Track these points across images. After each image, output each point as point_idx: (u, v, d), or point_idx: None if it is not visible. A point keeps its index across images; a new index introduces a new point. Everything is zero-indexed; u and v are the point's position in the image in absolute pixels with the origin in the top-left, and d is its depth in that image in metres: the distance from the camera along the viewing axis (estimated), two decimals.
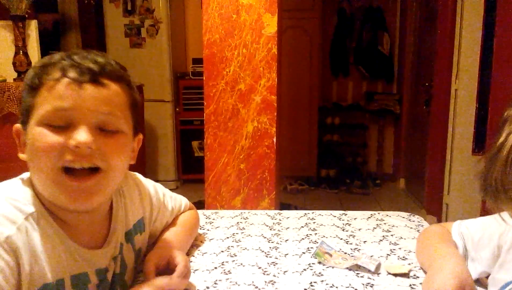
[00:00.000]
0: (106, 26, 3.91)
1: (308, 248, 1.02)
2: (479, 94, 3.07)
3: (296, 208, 3.43)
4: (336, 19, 4.33)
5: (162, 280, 0.73)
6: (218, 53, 1.92)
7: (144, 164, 3.79)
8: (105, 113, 0.66)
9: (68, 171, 0.64)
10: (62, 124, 0.64)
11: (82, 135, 0.63)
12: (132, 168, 0.91)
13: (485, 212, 2.64)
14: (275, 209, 2.04)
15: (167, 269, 0.78)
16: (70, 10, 3.95)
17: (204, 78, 1.97)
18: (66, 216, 0.68)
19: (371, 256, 0.96)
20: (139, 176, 0.92)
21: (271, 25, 1.87)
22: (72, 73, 0.65)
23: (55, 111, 0.64)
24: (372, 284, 0.84)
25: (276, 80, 1.93)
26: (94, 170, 0.65)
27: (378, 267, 0.90)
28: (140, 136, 0.78)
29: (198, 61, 3.93)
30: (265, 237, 1.09)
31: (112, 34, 3.90)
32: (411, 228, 1.14)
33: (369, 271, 0.88)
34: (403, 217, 1.22)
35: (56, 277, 0.64)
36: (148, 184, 0.92)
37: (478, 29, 3.03)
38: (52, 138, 0.63)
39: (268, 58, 1.90)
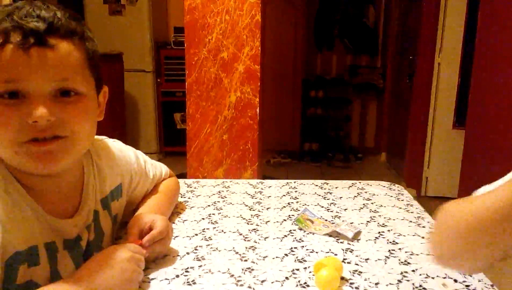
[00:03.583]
0: None
1: (289, 215, 1.01)
2: (462, 68, 3.09)
3: None
4: None
5: (136, 246, 0.72)
6: (200, 19, 1.87)
7: (125, 136, 3.73)
8: (59, 79, 0.61)
9: (31, 141, 0.60)
10: (15, 93, 0.59)
11: (38, 111, 0.59)
12: (113, 137, 0.88)
13: (463, 186, 2.69)
14: None
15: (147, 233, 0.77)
16: None
17: (185, 46, 1.92)
18: (33, 182, 0.65)
19: (351, 223, 0.97)
20: (119, 143, 0.89)
21: None
22: (15, 37, 0.58)
23: (3, 83, 0.58)
24: (352, 250, 0.84)
25: (259, 49, 1.89)
26: (58, 137, 0.62)
27: (357, 234, 0.90)
28: (105, 89, 0.73)
29: (180, 30, 3.82)
30: (246, 205, 1.08)
31: (90, 0, 3.75)
32: (391, 196, 1.15)
33: (347, 238, 0.88)
34: (384, 186, 1.23)
35: (28, 244, 0.62)
36: (129, 150, 0.89)
37: (463, 4, 3.02)
38: (7, 113, 0.59)
39: (251, 26, 1.86)
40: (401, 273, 0.76)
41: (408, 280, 0.74)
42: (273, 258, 0.80)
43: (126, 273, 0.66)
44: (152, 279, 0.73)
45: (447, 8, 3.06)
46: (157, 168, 0.97)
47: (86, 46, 0.66)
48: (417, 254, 0.82)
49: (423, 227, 0.96)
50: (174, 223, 0.96)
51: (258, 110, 1.98)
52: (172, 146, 4.05)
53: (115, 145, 0.86)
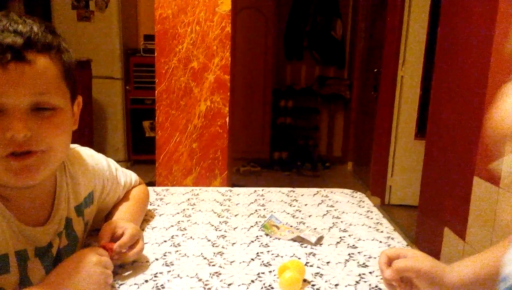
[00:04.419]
0: None
1: (256, 222, 1.05)
2: (423, 82, 3.25)
3: None
4: (291, 2, 4.37)
5: (102, 250, 0.74)
6: (171, 29, 1.89)
7: (93, 143, 3.67)
8: (36, 94, 0.62)
9: (8, 155, 0.62)
10: None
11: (15, 125, 0.60)
12: (81, 145, 0.89)
13: (424, 194, 2.79)
14: None
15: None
16: None
17: (155, 55, 1.93)
18: (7, 193, 0.66)
19: (315, 229, 1.01)
20: (91, 150, 0.90)
21: (225, 3, 1.86)
22: None
23: None
24: (315, 254, 0.89)
25: (229, 59, 1.93)
26: (35, 152, 0.64)
27: (319, 239, 0.95)
28: (79, 99, 0.75)
29: (149, 37, 3.82)
30: (215, 213, 1.11)
31: (58, 6, 3.69)
32: (352, 203, 1.21)
33: (310, 242, 0.93)
34: (346, 194, 1.29)
35: (0, 252, 0.63)
36: (101, 158, 0.91)
37: (425, 20, 3.18)
38: None
39: (221, 37, 1.90)
40: (359, 274, 0.81)
41: (365, 281, 0.79)
42: (240, 263, 0.84)
43: (94, 276, 0.67)
44: (121, 284, 0.75)
45: (409, 24, 3.21)
46: (127, 175, 0.99)
47: (62, 58, 0.67)
48: (375, 257, 0.88)
49: (381, 232, 1.02)
50: (143, 230, 0.98)
51: (227, 119, 2.01)
52: (141, 154, 4.01)
53: (87, 153, 0.87)
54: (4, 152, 0.61)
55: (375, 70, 3.61)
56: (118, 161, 0.99)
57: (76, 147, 0.86)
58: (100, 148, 3.77)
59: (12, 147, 0.61)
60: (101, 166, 0.89)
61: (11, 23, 0.61)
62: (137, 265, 0.82)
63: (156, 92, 1.98)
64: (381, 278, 0.79)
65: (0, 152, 0.60)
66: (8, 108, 0.60)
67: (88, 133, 3.60)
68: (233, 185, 2.09)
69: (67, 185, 0.78)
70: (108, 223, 0.82)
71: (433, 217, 2.38)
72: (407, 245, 0.97)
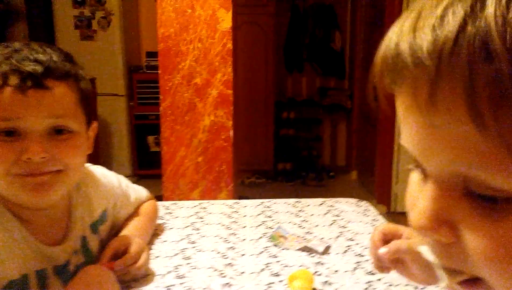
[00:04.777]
0: (54, 17, 3.76)
1: (264, 233, 1.07)
2: None
3: None
4: (290, 16, 4.43)
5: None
6: (173, 47, 1.94)
7: (98, 160, 3.71)
8: (54, 117, 0.65)
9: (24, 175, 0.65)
10: (11, 132, 0.63)
11: (32, 148, 0.63)
12: (87, 162, 0.92)
13: None
14: None
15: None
16: (17, 0, 3.76)
17: (159, 72, 1.98)
18: (24, 214, 0.68)
19: (322, 238, 1.03)
20: (102, 168, 0.93)
21: (225, 20, 1.91)
22: (13, 80, 0.62)
23: (1, 122, 0.62)
24: (323, 263, 0.91)
25: (231, 74, 1.97)
26: (52, 172, 0.67)
27: (327, 248, 0.97)
28: (95, 124, 0.78)
29: (152, 54, 3.88)
30: (223, 225, 1.13)
31: (61, 26, 3.77)
32: (358, 212, 1.23)
33: (317, 252, 0.95)
34: (352, 203, 1.31)
35: (20, 272, 0.65)
36: (112, 176, 0.94)
37: None
38: (2, 150, 0.62)
39: (223, 53, 1.94)
40: (367, 282, 0.83)
41: (374, 289, 0.80)
42: (250, 274, 0.86)
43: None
44: None
45: None
46: (137, 191, 1.02)
47: (79, 86, 0.70)
48: None
49: None
50: (154, 244, 1.00)
51: (231, 132, 2.05)
52: (146, 169, 4.04)
53: (99, 171, 0.90)
54: (19, 171, 0.64)
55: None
56: (124, 177, 1.02)
57: (88, 166, 0.89)
58: (106, 164, 3.79)
59: (27, 168, 0.64)
60: (112, 184, 0.92)
61: (32, 52, 0.65)
62: (149, 278, 0.84)
63: (160, 108, 2.02)
64: (389, 285, 0.81)
65: (15, 171, 0.63)
66: (26, 131, 0.64)
67: (94, 149, 3.63)
68: (239, 197, 2.11)
69: (82, 204, 0.81)
70: (113, 240, 0.84)
71: None
72: None
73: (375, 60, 0.28)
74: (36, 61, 0.64)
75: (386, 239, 0.62)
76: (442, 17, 0.23)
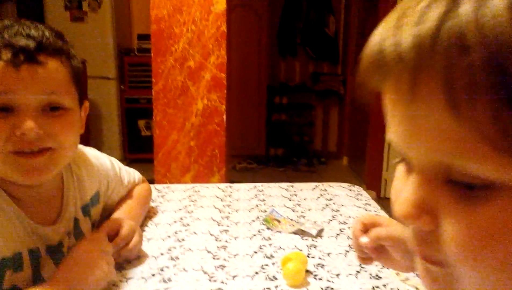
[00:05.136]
0: None
1: (257, 216, 1.07)
2: None
3: None
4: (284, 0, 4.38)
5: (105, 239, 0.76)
6: (166, 29, 1.91)
7: (88, 143, 3.67)
8: (47, 93, 0.65)
9: (18, 152, 0.64)
10: (4, 109, 0.62)
11: (26, 123, 0.62)
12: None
13: None
14: None
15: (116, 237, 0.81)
16: None
17: (152, 55, 1.95)
18: (15, 191, 0.68)
19: (315, 222, 1.04)
20: (95, 150, 0.92)
21: (220, 2, 1.88)
22: (5, 55, 0.61)
23: None
24: (315, 246, 0.92)
25: (225, 57, 1.95)
26: (45, 149, 0.66)
27: (320, 231, 0.98)
28: (86, 104, 0.77)
29: (143, 37, 3.82)
30: (216, 208, 1.13)
31: (50, 7, 3.69)
32: (351, 197, 1.24)
33: (311, 235, 0.96)
34: (344, 187, 1.32)
35: (14, 250, 0.64)
36: (105, 158, 0.93)
37: None
38: None
39: (217, 36, 1.91)
40: (360, 265, 0.84)
41: (365, 271, 0.81)
42: (244, 256, 0.86)
43: (98, 268, 0.69)
44: (129, 278, 0.77)
45: None
46: (130, 174, 1.01)
47: (72, 63, 0.69)
48: None
49: None
50: (147, 226, 1.00)
51: (224, 116, 2.04)
52: (136, 153, 4.02)
53: (91, 153, 0.89)
54: (12, 148, 0.63)
55: None
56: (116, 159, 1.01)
57: (80, 147, 0.87)
58: (96, 147, 3.76)
59: (21, 144, 0.63)
60: (105, 166, 0.91)
61: (24, 28, 0.64)
62: (143, 259, 0.84)
63: (153, 91, 2.00)
64: (381, 268, 0.82)
65: (8, 147, 0.62)
66: (20, 107, 0.63)
67: (84, 133, 3.59)
68: (231, 182, 2.11)
69: (74, 185, 0.80)
70: (105, 223, 0.84)
71: None
72: None
73: (361, 59, 0.30)
74: (29, 36, 0.63)
75: (366, 229, 0.63)
76: (422, 15, 0.25)
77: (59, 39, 0.68)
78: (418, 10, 0.25)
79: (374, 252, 0.62)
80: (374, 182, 3.53)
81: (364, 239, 0.62)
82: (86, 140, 3.64)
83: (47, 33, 0.65)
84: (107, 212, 0.93)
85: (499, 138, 0.23)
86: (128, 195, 0.99)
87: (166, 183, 2.06)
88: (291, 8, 4.36)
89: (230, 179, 2.57)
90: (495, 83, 0.22)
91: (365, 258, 0.65)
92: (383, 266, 0.82)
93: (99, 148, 0.96)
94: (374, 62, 0.28)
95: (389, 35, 0.27)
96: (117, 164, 0.96)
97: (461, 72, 0.23)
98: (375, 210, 1.13)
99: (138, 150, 4.01)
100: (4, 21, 0.65)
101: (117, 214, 0.91)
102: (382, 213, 1.12)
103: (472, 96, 0.23)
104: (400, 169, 0.32)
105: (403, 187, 0.30)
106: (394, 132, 0.29)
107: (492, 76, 0.22)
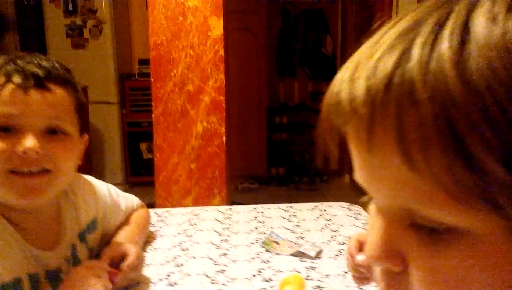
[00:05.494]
0: (46, 26, 3.76)
1: (257, 239, 1.08)
2: None
3: None
4: (281, 21, 4.46)
5: (106, 266, 0.76)
6: (165, 55, 1.94)
7: (91, 168, 3.69)
8: (52, 118, 0.68)
9: (16, 172, 0.65)
10: (8, 128, 0.65)
11: (29, 141, 0.64)
12: (79, 170, 0.92)
13: None
14: None
15: (121, 263, 0.81)
16: (7, 10, 3.76)
17: (151, 80, 1.98)
18: (15, 217, 0.69)
19: (314, 243, 1.04)
20: (92, 178, 0.94)
21: (217, 27, 1.92)
22: (16, 79, 0.65)
23: (1, 117, 0.65)
24: (314, 267, 0.92)
25: (224, 81, 1.98)
26: (42, 171, 0.67)
27: (319, 253, 0.98)
28: (86, 137, 0.80)
29: (144, 62, 3.88)
30: (216, 231, 1.13)
31: (52, 35, 3.76)
32: (350, 216, 1.24)
33: (309, 256, 0.96)
34: (343, 207, 1.32)
35: (14, 275, 0.65)
36: (101, 185, 0.94)
37: None
38: (1, 144, 0.64)
39: (215, 60, 1.95)
40: (357, 286, 0.83)
41: None
42: (242, 280, 0.86)
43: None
44: None
45: None
46: (128, 200, 1.02)
47: (77, 95, 0.74)
48: None
49: None
50: (146, 251, 1.00)
51: (224, 138, 2.05)
52: (139, 176, 4.03)
53: (88, 181, 0.90)
54: (11, 166, 0.65)
55: None
56: (116, 184, 1.03)
57: (77, 175, 0.89)
58: (98, 171, 3.80)
59: (20, 163, 0.65)
60: (102, 193, 0.92)
61: (36, 58, 0.69)
62: (142, 286, 0.84)
63: (153, 115, 2.03)
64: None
65: (7, 166, 0.65)
66: (23, 128, 0.66)
67: (87, 158, 3.62)
68: (232, 203, 2.11)
69: (70, 212, 0.81)
70: (108, 247, 0.85)
71: None
72: None
73: (322, 105, 0.31)
74: (40, 65, 0.68)
75: (362, 247, 0.62)
76: (375, 68, 0.25)
77: (68, 72, 0.73)
78: (371, 63, 0.26)
79: (371, 271, 0.62)
80: None
81: (360, 257, 0.59)
82: (88, 164, 3.67)
83: (57, 65, 0.71)
84: (106, 239, 0.94)
85: (453, 187, 0.23)
86: (127, 220, 0.99)
87: (167, 206, 2.07)
88: (289, 30, 4.44)
89: (232, 200, 2.57)
90: (446, 137, 0.22)
91: (361, 278, 0.65)
92: None
93: (102, 172, 0.97)
94: (333, 111, 0.29)
95: (344, 87, 0.27)
96: (115, 190, 0.98)
97: (412, 126, 0.23)
98: None
99: (140, 173, 4.02)
100: (20, 52, 0.70)
101: (117, 240, 0.91)
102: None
103: (425, 149, 0.23)
104: (372, 208, 0.32)
105: (372, 228, 0.30)
106: (358, 175, 0.30)
107: (442, 131, 0.22)
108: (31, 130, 0.66)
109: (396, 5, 3.23)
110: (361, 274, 0.64)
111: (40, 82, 0.66)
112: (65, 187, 0.78)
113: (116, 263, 0.81)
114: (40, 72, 0.67)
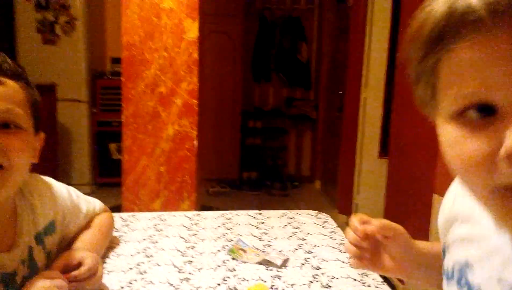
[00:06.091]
0: (16, 20, 3.63)
1: (223, 246, 1.07)
2: (385, 103, 3.39)
3: (217, 210, 3.47)
4: (258, 27, 4.48)
5: (57, 274, 0.73)
6: (138, 55, 1.91)
7: (57, 167, 3.58)
8: (4, 110, 0.66)
9: None
10: None
11: None
12: (44, 169, 0.89)
13: (388, 211, 2.87)
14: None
15: (76, 269, 0.78)
16: None
17: (122, 80, 1.94)
18: None
19: (280, 251, 1.04)
20: (51, 180, 0.90)
21: (192, 30, 1.91)
22: None
23: None
24: (280, 276, 0.91)
25: (197, 84, 1.96)
26: None
27: (285, 261, 0.98)
28: (42, 135, 0.78)
29: (117, 60, 3.79)
30: (182, 237, 1.12)
31: (22, 29, 3.63)
32: (317, 224, 1.25)
33: (276, 265, 0.95)
34: (312, 215, 1.33)
35: None
36: (61, 187, 0.91)
37: (385, 43, 3.34)
38: None
39: (189, 63, 1.93)
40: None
41: None
42: (206, 288, 0.85)
43: None
44: None
45: (371, 47, 3.36)
46: (90, 203, 0.99)
47: (31, 91, 0.72)
48: (337, 278, 0.91)
49: (344, 252, 1.06)
50: (108, 257, 0.97)
51: (195, 142, 2.03)
52: (107, 177, 3.93)
53: (46, 182, 0.87)
54: None
55: (340, 92, 3.73)
56: (83, 184, 1.00)
57: (35, 176, 0.86)
58: (65, 171, 3.68)
59: None
60: (61, 195, 0.89)
61: None
62: None
63: (123, 116, 1.98)
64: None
65: None
66: None
67: (53, 157, 3.51)
68: (202, 207, 2.09)
69: (26, 213, 0.78)
70: (64, 253, 0.82)
71: None
72: None
73: (422, 28, 0.32)
74: None
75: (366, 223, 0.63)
76: None
77: (20, 69, 0.71)
78: None
79: (368, 251, 0.64)
80: (346, 206, 3.56)
81: (370, 227, 0.62)
82: (55, 163, 3.56)
83: (9, 60, 0.69)
84: (65, 243, 0.91)
85: None
86: (88, 224, 0.96)
87: (134, 209, 2.02)
88: (265, 35, 4.46)
89: (202, 204, 2.55)
90: None
91: (358, 259, 0.66)
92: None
93: (69, 172, 0.94)
94: (456, 21, 0.30)
95: None
96: (75, 192, 0.94)
97: None
98: (340, 239, 1.14)
99: (109, 174, 3.92)
100: None
101: (77, 245, 0.88)
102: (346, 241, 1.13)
103: None
104: (454, 129, 0.36)
105: (481, 139, 0.33)
106: (479, 81, 0.32)
107: None
108: None
109: (371, 15, 3.30)
110: (361, 254, 0.65)
111: None
112: (20, 186, 0.75)
113: (70, 270, 0.78)
114: None
